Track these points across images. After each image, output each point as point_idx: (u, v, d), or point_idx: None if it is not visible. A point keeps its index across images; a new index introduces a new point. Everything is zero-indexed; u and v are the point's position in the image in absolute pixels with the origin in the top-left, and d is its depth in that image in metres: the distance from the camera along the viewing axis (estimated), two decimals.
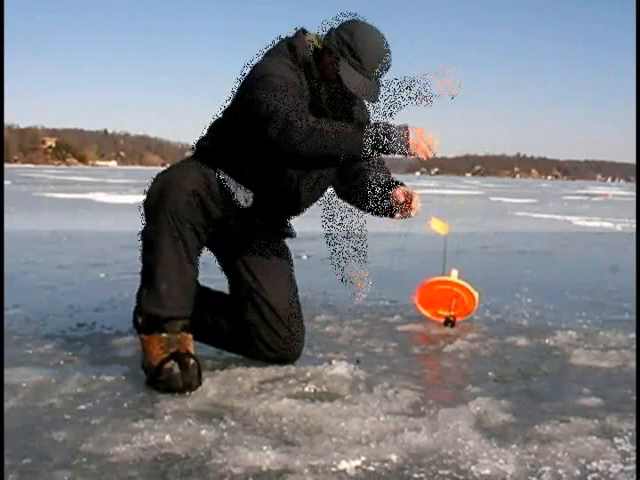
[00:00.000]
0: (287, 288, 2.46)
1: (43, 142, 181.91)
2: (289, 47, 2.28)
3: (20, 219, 8.61)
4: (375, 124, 2.00)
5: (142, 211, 2.27)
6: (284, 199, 2.36)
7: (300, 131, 1.98)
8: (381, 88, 2.25)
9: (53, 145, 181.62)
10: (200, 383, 2.18)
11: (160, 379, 2.15)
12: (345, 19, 2.30)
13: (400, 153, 2.01)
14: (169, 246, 2.19)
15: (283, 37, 2.34)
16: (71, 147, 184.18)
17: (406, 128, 2.00)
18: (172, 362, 2.15)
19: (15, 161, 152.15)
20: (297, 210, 2.46)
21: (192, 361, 2.17)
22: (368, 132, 1.97)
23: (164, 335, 2.20)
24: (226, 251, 2.48)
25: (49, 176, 40.57)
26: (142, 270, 2.26)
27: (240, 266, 2.45)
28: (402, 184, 2.39)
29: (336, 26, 2.29)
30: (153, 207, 2.22)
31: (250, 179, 2.28)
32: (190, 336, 2.25)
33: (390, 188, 2.36)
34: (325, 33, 2.31)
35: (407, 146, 1.98)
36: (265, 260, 2.45)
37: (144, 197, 2.27)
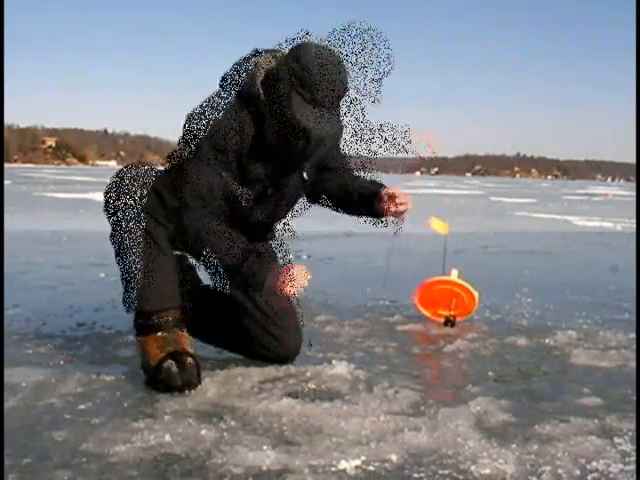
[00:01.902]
0: None
1: (43, 142, 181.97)
2: (236, 78, 2.20)
3: (20, 219, 8.61)
4: (256, 255, 2.11)
5: (105, 216, 2.28)
6: (240, 222, 2.33)
7: (188, 219, 2.14)
8: (337, 115, 2.19)
9: (53, 145, 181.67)
10: (199, 382, 2.18)
11: (159, 378, 2.15)
12: (296, 43, 2.19)
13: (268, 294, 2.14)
14: (137, 242, 2.20)
15: (246, 56, 2.26)
16: (71, 147, 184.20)
17: (278, 270, 2.10)
18: (170, 361, 2.15)
19: (15, 161, 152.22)
20: (255, 231, 2.43)
21: (190, 360, 2.17)
22: (244, 261, 2.10)
23: (160, 334, 2.20)
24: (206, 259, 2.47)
25: (49, 176, 40.56)
26: (120, 274, 2.27)
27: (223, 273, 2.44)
28: (381, 187, 2.49)
29: (287, 51, 2.18)
30: (112, 209, 2.24)
31: None
32: (186, 334, 2.25)
33: (372, 200, 2.48)
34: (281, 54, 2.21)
35: (272, 286, 2.10)
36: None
37: (103, 203, 2.28)
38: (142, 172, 2.25)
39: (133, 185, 2.21)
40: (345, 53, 2.23)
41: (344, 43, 2.25)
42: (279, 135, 2.19)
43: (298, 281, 2.08)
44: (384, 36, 2.24)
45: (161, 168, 2.32)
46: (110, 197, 2.25)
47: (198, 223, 2.14)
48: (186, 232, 2.16)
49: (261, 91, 2.17)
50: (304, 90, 2.09)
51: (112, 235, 2.27)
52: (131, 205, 2.20)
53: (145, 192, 2.20)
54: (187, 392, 2.13)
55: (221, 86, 2.28)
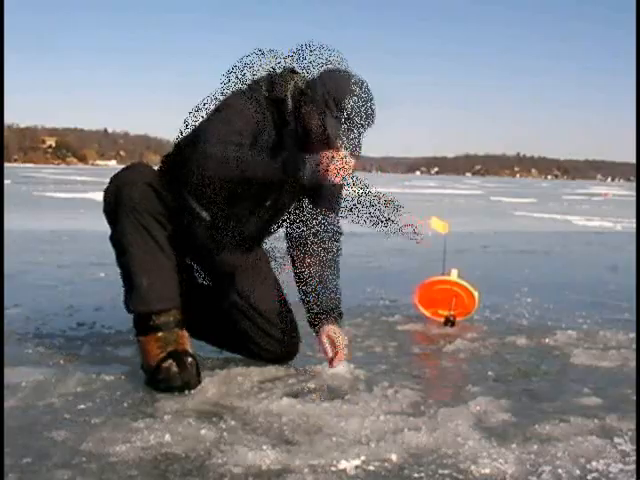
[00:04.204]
0: (270, 288, 2.45)
1: (43, 141, 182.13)
2: (269, 81, 2.26)
3: (20, 219, 8.61)
4: (289, 153, 2.09)
5: (105, 218, 2.28)
6: (236, 228, 2.32)
7: (212, 158, 2.09)
8: (360, 144, 2.21)
9: (53, 144, 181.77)
10: (199, 381, 2.18)
11: (159, 378, 2.15)
12: (328, 66, 2.26)
13: (313, 179, 2.07)
14: (137, 242, 2.19)
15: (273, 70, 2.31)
16: (71, 146, 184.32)
17: (318, 155, 2.06)
18: (170, 361, 2.15)
19: (15, 160, 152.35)
20: (249, 240, 2.40)
21: (190, 359, 2.17)
22: (280, 161, 2.06)
23: (160, 334, 2.19)
24: (203, 263, 2.47)
25: (49, 175, 40.59)
26: (120, 274, 2.27)
27: (219, 276, 2.44)
28: (337, 318, 2.38)
29: (319, 73, 2.25)
30: (111, 210, 2.24)
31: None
32: (186, 333, 2.25)
33: (320, 319, 2.35)
34: (309, 77, 2.27)
35: (319, 171, 2.05)
36: (241, 265, 2.41)
37: (102, 204, 2.28)
38: (140, 172, 2.25)
39: (131, 185, 2.21)
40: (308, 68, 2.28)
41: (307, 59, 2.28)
42: (297, 145, 2.21)
43: (345, 167, 2.05)
44: (341, 55, 2.29)
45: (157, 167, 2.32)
46: (108, 197, 2.25)
47: (218, 147, 2.10)
48: (209, 159, 2.10)
49: (290, 101, 2.23)
50: (340, 112, 2.15)
51: (111, 236, 2.27)
52: (129, 205, 2.19)
53: (143, 192, 2.20)
54: (187, 392, 2.13)
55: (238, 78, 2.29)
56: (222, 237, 2.33)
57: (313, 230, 2.40)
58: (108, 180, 2.28)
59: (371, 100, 2.23)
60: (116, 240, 2.25)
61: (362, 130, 2.21)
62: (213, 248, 2.37)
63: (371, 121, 2.23)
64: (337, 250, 2.46)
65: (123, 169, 2.31)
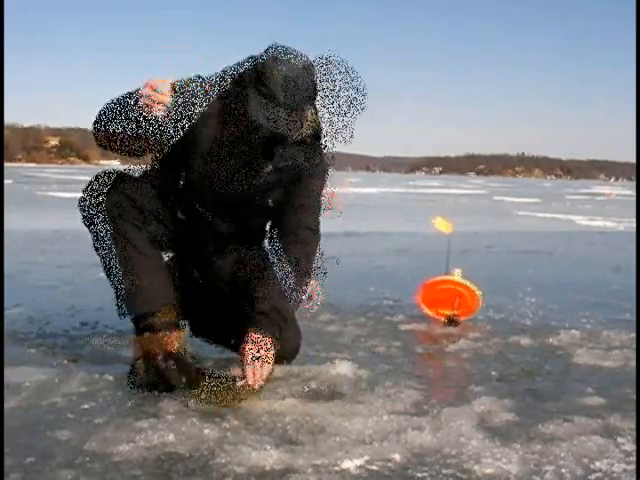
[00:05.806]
0: (269, 288, 2.44)
1: (46, 141, 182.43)
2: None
3: (23, 218, 8.63)
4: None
5: (85, 228, 2.28)
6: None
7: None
8: (300, 119, 2.07)
9: (57, 144, 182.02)
10: (199, 382, 2.17)
11: (131, 380, 2.18)
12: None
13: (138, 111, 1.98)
14: (115, 248, 2.19)
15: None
16: (74, 146, 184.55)
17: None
18: (140, 363, 2.17)
19: (18, 160, 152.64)
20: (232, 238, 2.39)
21: (171, 362, 2.15)
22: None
23: (145, 335, 2.19)
24: (197, 263, 2.46)
25: (52, 175, 40.65)
26: (108, 282, 2.27)
27: (215, 279, 2.44)
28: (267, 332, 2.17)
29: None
30: (87, 220, 2.24)
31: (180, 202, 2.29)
32: (175, 334, 2.22)
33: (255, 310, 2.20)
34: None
35: (138, 99, 1.97)
36: (235, 266, 2.40)
37: (80, 216, 2.27)
38: (109, 179, 2.23)
39: (105, 194, 2.19)
40: (321, 87, 2.16)
41: (320, 76, 2.16)
42: (235, 132, 2.13)
43: (162, 96, 1.94)
44: (357, 71, 2.17)
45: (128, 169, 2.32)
46: (83, 209, 2.24)
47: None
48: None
49: (229, 82, 2.11)
50: (263, 86, 2.01)
51: (94, 248, 2.28)
52: (104, 213, 2.18)
53: (117, 199, 2.18)
54: (187, 392, 2.12)
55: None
56: (197, 236, 2.33)
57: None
58: (81, 192, 2.26)
59: (303, 75, 2.04)
60: (96, 249, 2.26)
61: (289, 105, 2.02)
62: (195, 246, 2.37)
63: (304, 92, 2.05)
64: (311, 249, 2.35)
65: (93, 179, 2.27)
